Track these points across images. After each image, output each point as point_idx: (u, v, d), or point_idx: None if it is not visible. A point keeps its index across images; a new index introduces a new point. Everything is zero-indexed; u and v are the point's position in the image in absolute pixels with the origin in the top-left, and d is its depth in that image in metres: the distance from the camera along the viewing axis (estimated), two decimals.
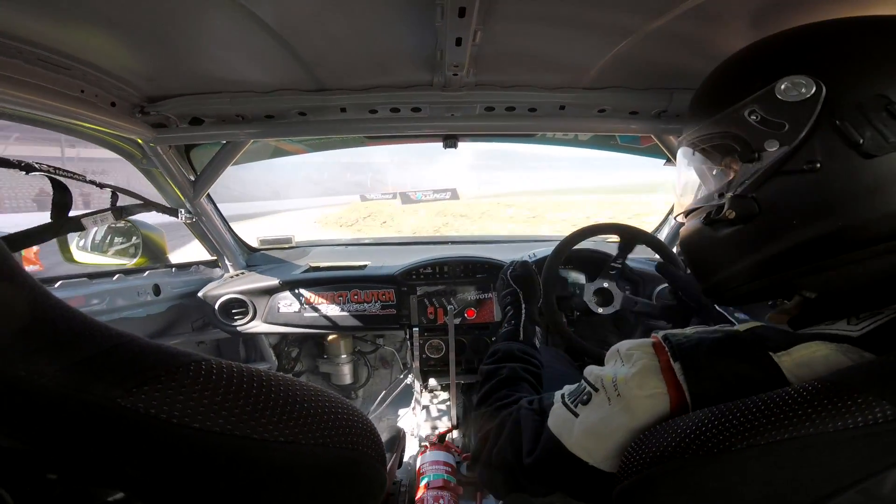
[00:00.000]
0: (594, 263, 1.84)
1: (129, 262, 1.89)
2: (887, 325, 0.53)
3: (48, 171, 1.10)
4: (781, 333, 0.58)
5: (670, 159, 1.85)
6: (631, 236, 1.63)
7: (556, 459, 0.68)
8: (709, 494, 0.51)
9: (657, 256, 1.65)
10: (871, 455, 0.44)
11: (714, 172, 0.71)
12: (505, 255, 2.02)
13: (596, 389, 0.66)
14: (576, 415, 0.68)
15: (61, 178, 1.14)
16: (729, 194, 0.65)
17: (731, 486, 0.49)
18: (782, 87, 0.60)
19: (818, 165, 0.57)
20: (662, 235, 2.24)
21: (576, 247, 1.60)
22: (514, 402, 0.87)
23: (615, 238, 1.84)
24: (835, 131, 0.56)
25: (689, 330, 0.65)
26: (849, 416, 0.43)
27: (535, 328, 1.19)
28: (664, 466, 0.52)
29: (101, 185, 1.31)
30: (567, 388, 0.73)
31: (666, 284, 1.86)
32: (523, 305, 1.22)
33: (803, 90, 0.58)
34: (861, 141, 0.54)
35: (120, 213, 1.41)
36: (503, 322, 1.24)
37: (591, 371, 0.70)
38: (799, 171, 0.58)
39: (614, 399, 0.63)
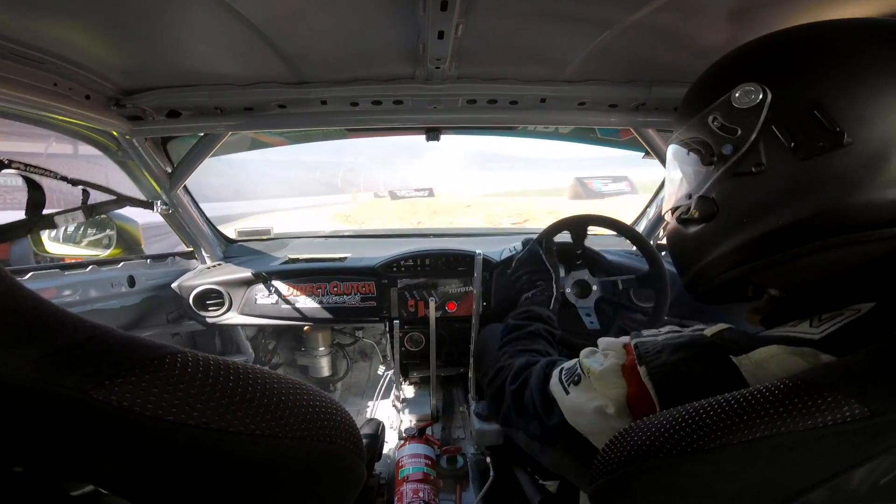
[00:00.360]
0: (568, 257, 1.87)
1: (102, 253, 1.85)
2: (847, 328, 0.55)
3: (20, 169, 1.08)
4: (745, 336, 0.61)
5: (649, 152, 1.87)
6: (576, 223, 1.69)
7: (558, 421, 0.76)
8: (683, 493, 0.52)
9: (635, 248, 1.69)
10: (840, 452, 0.45)
11: (688, 174, 0.75)
12: (486, 248, 2.03)
13: (584, 374, 0.74)
14: (567, 392, 0.76)
15: (33, 176, 1.12)
16: (695, 195, 0.70)
17: (705, 484, 0.50)
18: (736, 94, 0.64)
19: (763, 168, 0.61)
20: (640, 227, 2.27)
21: (556, 239, 1.62)
22: (534, 353, 1.04)
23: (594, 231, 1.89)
24: (775, 135, 0.60)
25: (660, 336, 0.69)
26: (819, 414, 0.44)
27: (558, 311, 1.33)
28: (638, 465, 0.53)
29: (73, 182, 1.28)
30: (566, 364, 0.81)
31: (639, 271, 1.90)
32: (555, 287, 1.38)
33: (752, 97, 0.62)
34: (793, 144, 0.58)
35: (91, 210, 1.38)
36: (529, 290, 1.40)
37: (583, 354, 0.77)
38: (748, 174, 0.63)
39: (589, 387, 0.71)
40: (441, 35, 1.04)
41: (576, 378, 0.75)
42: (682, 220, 0.74)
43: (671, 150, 0.81)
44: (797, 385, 0.47)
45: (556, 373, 0.80)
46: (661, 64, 1.26)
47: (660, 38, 1.12)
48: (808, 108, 0.57)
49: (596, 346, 0.79)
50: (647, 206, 2.29)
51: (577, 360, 0.78)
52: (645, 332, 0.72)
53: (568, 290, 1.67)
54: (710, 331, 0.65)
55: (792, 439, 0.45)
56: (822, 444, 0.45)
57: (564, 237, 1.72)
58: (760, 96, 0.61)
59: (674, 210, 0.78)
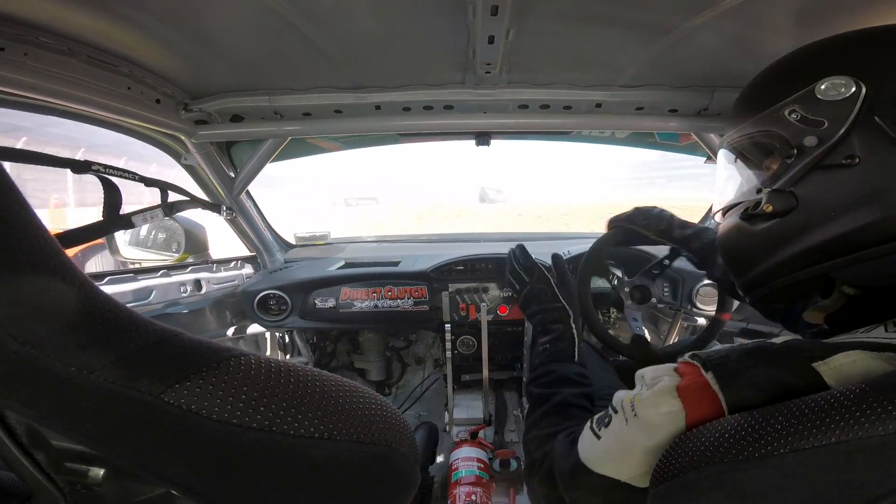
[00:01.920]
0: (632, 261, 1.79)
1: (172, 258, 1.95)
2: None
3: (100, 171, 1.14)
4: (818, 344, 0.58)
5: (711, 157, 1.82)
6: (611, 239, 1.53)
7: (584, 480, 0.70)
8: (751, 498, 0.50)
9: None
10: None
11: (754, 170, 0.72)
12: (538, 252, 1.99)
13: (616, 412, 0.68)
14: (598, 437, 0.70)
15: (112, 177, 1.18)
16: (767, 189, 0.67)
17: (775, 489, 0.48)
18: (822, 86, 0.62)
19: (857, 160, 0.59)
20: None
21: (614, 245, 1.56)
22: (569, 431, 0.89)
23: None
24: (874, 127, 0.58)
25: (718, 347, 0.66)
26: None
27: (584, 348, 1.17)
28: (703, 471, 0.51)
29: (149, 182, 1.35)
30: (597, 415, 0.74)
31: (706, 282, 1.81)
32: (573, 326, 1.20)
33: (843, 90, 0.60)
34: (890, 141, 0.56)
35: (169, 209, 1.44)
36: (543, 334, 1.22)
37: (617, 395, 0.70)
38: (838, 166, 0.60)
39: (631, 419, 0.64)
40: (491, 40, 1.04)
41: (606, 420, 0.69)
42: (749, 216, 0.70)
43: (727, 148, 0.78)
44: (875, 388, 0.45)
45: (586, 428, 0.74)
46: (724, 69, 1.23)
47: (722, 44, 1.10)
48: None
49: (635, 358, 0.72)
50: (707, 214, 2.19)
51: (605, 408, 0.72)
52: (697, 352, 0.66)
53: (627, 290, 1.61)
54: (777, 340, 0.61)
55: (869, 444, 0.43)
56: None
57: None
58: (853, 89, 0.59)
59: (732, 207, 0.75)
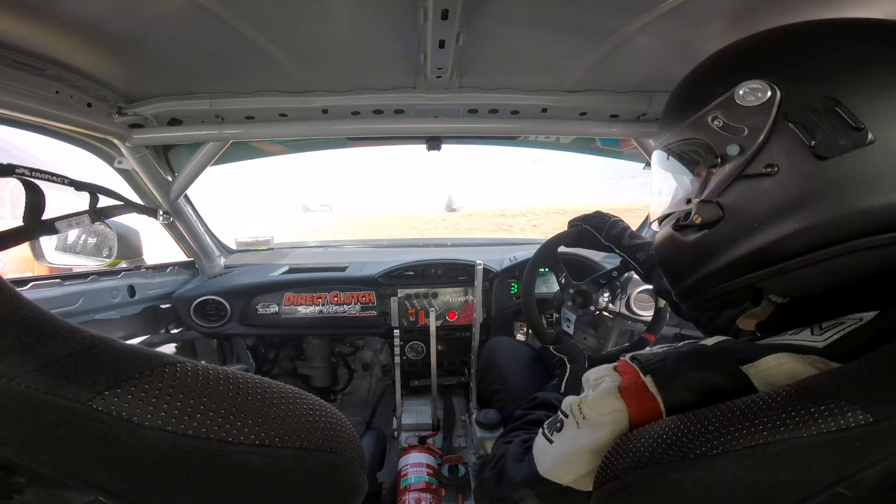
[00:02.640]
0: (577, 267, 1.85)
1: (103, 264, 1.85)
2: (850, 336, 0.54)
3: (25, 174, 1.07)
4: (748, 346, 0.59)
5: (649, 163, 1.85)
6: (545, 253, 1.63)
7: (532, 482, 0.72)
8: (686, 499, 0.51)
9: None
10: (843, 459, 0.44)
11: (684, 179, 0.71)
12: (486, 257, 2.03)
13: (567, 416, 0.69)
14: (550, 441, 0.71)
15: (38, 180, 1.11)
16: (695, 200, 0.66)
17: (708, 490, 0.49)
18: (740, 92, 0.60)
19: (776, 169, 0.58)
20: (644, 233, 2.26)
21: (559, 250, 1.61)
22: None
23: None
24: (790, 133, 0.57)
25: (657, 348, 0.67)
26: (822, 421, 0.44)
27: (577, 381, 1.23)
28: (642, 472, 0.52)
29: (80, 186, 1.28)
30: (548, 421, 0.76)
31: (642, 288, 1.89)
32: (568, 366, 1.29)
33: (759, 94, 0.59)
34: (813, 143, 0.55)
35: (98, 215, 1.37)
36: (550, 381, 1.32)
37: (566, 400, 0.71)
38: (759, 175, 0.59)
39: (581, 422, 0.65)
40: (442, 44, 1.04)
41: (558, 425, 0.70)
42: (680, 227, 0.70)
43: (658, 156, 0.77)
44: (800, 392, 0.46)
45: (539, 433, 0.75)
46: (662, 74, 1.27)
47: (660, 48, 1.13)
48: (827, 105, 0.54)
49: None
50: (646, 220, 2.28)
51: (557, 413, 0.74)
52: (637, 353, 0.67)
53: (571, 292, 1.66)
54: (710, 341, 0.63)
55: (795, 445, 0.44)
56: (825, 451, 0.44)
57: (571, 248, 1.72)
58: (769, 94, 0.58)
59: (665, 217, 0.75)
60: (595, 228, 1.44)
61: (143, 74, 1.21)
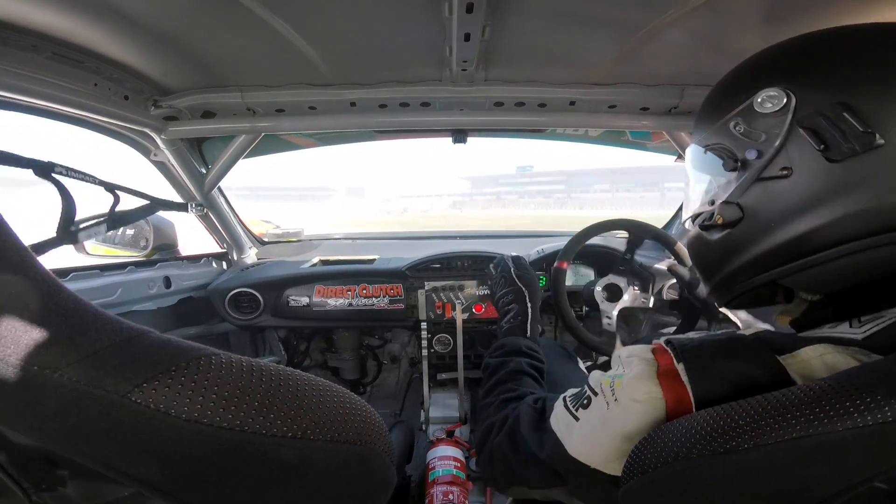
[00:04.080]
0: (604, 259, 1.82)
1: (139, 254, 1.90)
2: (891, 328, 0.53)
3: (63, 173, 1.10)
4: (786, 337, 0.60)
5: (681, 155, 1.84)
6: (638, 232, 1.64)
7: (559, 459, 0.71)
8: (717, 493, 0.51)
9: (668, 253, 1.64)
10: (880, 454, 0.44)
11: (710, 180, 0.74)
12: (513, 250, 2.01)
13: (596, 394, 0.69)
14: (576, 418, 0.70)
15: (73, 179, 1.14)
16: (718, 201, 0.69)
17: (740, 484, 0.49)
18: (759, 99, 0.63)
19: (791, 171, 0.61)
20: (673, 230, 2.23)
21: (587, 243, 1.59)
22: (519, 398, 0.92)
23: (624, 234, 1.84)
24: (803, 139, 0.59)
25: (692, 334, 0.67)
26: (858, 415, 0.43)
27: (540, 328, 1.21)
28: (672, 467, 0.52)
29: (109, 187, 1.31)
30: (570, 391, 0.76)
31: (674, 280, 1.86)
32: (528, 304, 1.25)
33: (776, 101, 0.62)
34: (823, 146, 0.57)
35: (119, 220, 1.41)
36: (504, 318, 1.27)
37: (593, 376, 0.72)
38: (775, 178, 0.62)
39: (612, 403, 0.65)
40: (467, 37, 1.04)
41: (584, 401, 0.70)
42: (706, 227, 0.73)
43: (691, 155, 0.80)
44: (835, 385, 0.46)
45: (559, 403, 0.76)
46: (693, 67, 1.25)
47: (692, 41, 1.11)
48: (837, 110, 0.57)
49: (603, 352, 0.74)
50: (679, 210, 2.23)
51: (581, 387, 0.74)
52: (673, 338, 0.68)
53: (598, 290, 1.64)
54: (748, 331, 0.63)
55: (830, 439, 0.43)
56: (861, 444, 0.43)
57: (598, 240, 1.71)
58: (784, 100, 0.61)
59: (695, 217, 0.77)
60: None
61: (178, 67, 1.23)
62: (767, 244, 0.64)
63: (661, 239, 1.64)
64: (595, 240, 1.68)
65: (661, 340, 0.66)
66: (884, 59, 0.57)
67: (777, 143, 0.61)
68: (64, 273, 1.55)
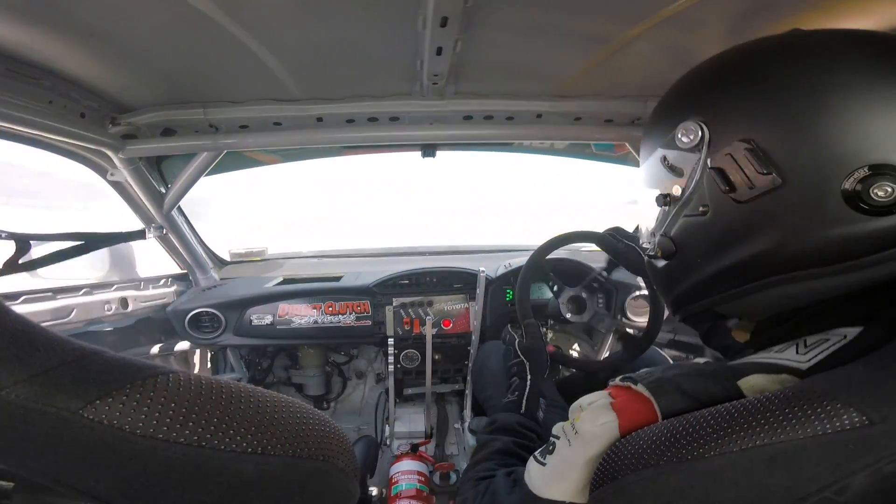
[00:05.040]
0: (569, 272, 1.87)
1: (96, 276, 1.84)
2: (834, 357, 0.54)
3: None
4: (734, 366, 0.60)
5: None
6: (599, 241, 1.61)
7: (526, 500, 0.71)
8: (680, 500, 0.51)
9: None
10: (838, 461, 0.44)
11: (653, 212, 0.74)
12: (480, 265, 2.03)
13: (558, 437, 0.69)
14: (544, 464, 0.70)
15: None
16: (658, 233, 0.70)
17: (705, 492, 0.49)
18: (678, 133, 0.62)
19: (708, 209, 0.61)
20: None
21: (550, 256, 1.62)
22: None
23: (589, 247, 1.88)
24: (712, 179, 0.59)
25: (651, 369, 0.68)
26: (818, 422, 0.44)
27: (540, 400, 1.18)
28: (639, 474, 0.52)
29: (67, 237, 1.31)
30: (539, 450, 0.75)
31: (637, 293, 1.91)
32: (529, 377, 1.21)
33: (692, 136, 0.60)
34: (727, 188, 0.57)
35: (76, 251, 1.40)
36: (507, 391, 1.23)
37: (555, 427, 0.72)
38: (696, 215, 0.63)
39: (573, 438, 0.66)
40: (439, 51, 1.04)
41: (550, 448, 0.70)
42: (650, 257, 0.75)
43: (639, 180, 0.79)
44: (796, 394, 0.47)
45: (530, 462, 0.74)
46: (656, 79, 1.24)
47: (657, 54, 1.14)
48: (740, 148, 0.56)
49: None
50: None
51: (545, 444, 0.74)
52: (629, 375, 0.68)
53: (563, 303, 1.67)
54: (700, 361, 0.65)
55: (791, 447, 0.44)
56: (819, 453, 0.44)
57: (562, 253, 1.74)
58: (700, 134, 0.60)
59: (643, 248, 0.79)
60: (641, 248, 1.44)
61: (138, 82, 1.20)
62: (696, 277, 0.66)
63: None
64: (559, 252, 1.68)
65: (617, 381, 0.67)
66: (787, 85, 0.55)
67: (694, 182, 0.62)
68: (14, 296, 1.49)
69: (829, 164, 0.52)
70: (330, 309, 2.02)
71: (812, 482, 0.45)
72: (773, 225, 0.56)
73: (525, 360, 1.25)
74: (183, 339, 2.04)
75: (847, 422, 0.43)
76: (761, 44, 0.61)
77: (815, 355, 0.55)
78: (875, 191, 0.49)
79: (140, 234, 1.78)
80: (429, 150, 1.76)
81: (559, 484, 0.67)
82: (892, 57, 0.52)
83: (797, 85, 0.54)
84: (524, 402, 1.15)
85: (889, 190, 0.49)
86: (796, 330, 0.61)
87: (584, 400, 0.69)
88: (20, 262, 1.30)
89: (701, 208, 0.62)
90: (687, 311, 0.73)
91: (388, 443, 2.09)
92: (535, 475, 0.71)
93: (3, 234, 1.23)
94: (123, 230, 1.74)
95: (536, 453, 0.73)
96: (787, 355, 0.57)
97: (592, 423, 0.63)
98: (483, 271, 1.87)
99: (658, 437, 0.53)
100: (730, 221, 0.59)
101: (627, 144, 1.82)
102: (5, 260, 1.37)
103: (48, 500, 0.45)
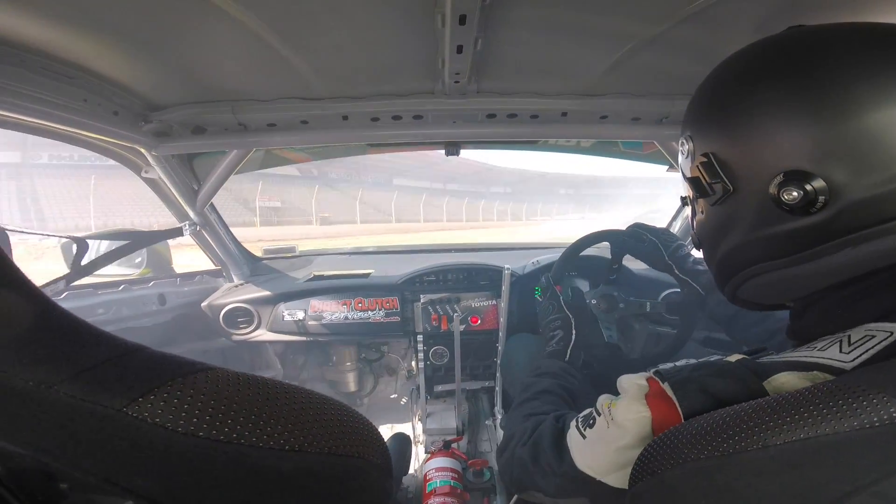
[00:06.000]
0: (595, 273, 1.83)
1: (134, 273, 1.90)
2: (881, 354, 0.52)
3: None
4: (764, 364, 0.61)
5: (673, 165, 1.85)
6: (619, 242, 1.64)
7: (571, 471, 0.76)
8: (725, 495, 0.50)
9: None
10: (887, 455, 0.43)
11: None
12: (508, 262, 2.02)
13: (599, 414, 0.73)
14: (584, 437, 0.75)
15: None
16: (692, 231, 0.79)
17: (748, 486, 0.48)
18: (681, 144, 0.72)
19: (703, 211, 0.71)
20: (675, 229, 2.22)
21: (581, 254, 1.59)
22: (542, 414, 0.97)
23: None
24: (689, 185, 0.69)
25: (680, 363, 0.71)
26: (864, 415, 0.42)
27: (581, 354, 1.25)
28: (681, 468, 0.52)
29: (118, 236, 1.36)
30: (583, 412, 0.80)
31: (672, 289, 1.86)
32: (574, 332, 1.28)
33: (685, 147, 0.70)
34: (698, 194, 0.68)
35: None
36: (549, 342, 1.31)
37: (601, 398, 0.75)
38: (698, 213, 0.73)
39: (610, 423, 0.69)
40: (460, 49, 1.04)
41: (591, 421, 0.74)
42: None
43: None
44: (839, 387, 0.45)
45: (572, 423, 0.80)
46: (684, 77, 1.24)
47: (683, 52, 1.11)
48: (704, 160, 0.64)
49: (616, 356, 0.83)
50: (672, 220, 2.26)
51: (590, 408, 0.78)
52: (661, 367, 0.72)
53: (594, 302, 1.64)
54: (732, 358, 0.65)
55: (837, 440, 0.43)
56: (868, 446, 0.43)
57: (593, 251, 1.72)
58: (689, 146, 0.69)
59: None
60: (662, 243, 1.47)
61: (168, 81, 1.23)
62: (711, 267, 0.75)
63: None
64: (590, 251, 1.68)
65: (650, 372, 0.69)
66: (729, 102, 0.64)
67: (692, 189, 0.69)
68: (59, 292, 1.55)
69: (760, 172, 0.60)
70: (360, 305, 2.04)
71: (863, 475, 0.44)
72: (735, 223, 0.65)
73: (570, 315, 1.32)
74: (219, 335, 2.08)
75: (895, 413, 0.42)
76: (725, 62, 0.69)
77: (861, 354, 0.54)
78: (783, 195, 0.57)
79: (178, 232, 1.84)
80: (452, 147, 1.76)
81: (596, 462, 0.71)
82: (801, 74, 0.58)
83: (735, 102, 0.63)
84: (569, 351, 1.24)
85: (795, 194, 0.56)
86: (824, 321, 0.63)
87: (624, 380, 0.72)
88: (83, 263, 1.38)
89: (700, 211, 0.72)
90: (728, 297, 0.77)
91: (420, 440, 2.10)
92: (576, 445, 0.76)
93: (66, 238, 1.30)
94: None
95: (580, 418, 0.78)
96: (830, 353, 0.56)
97: (626, 412, 0.67)
98: (508, 269, 1.86)
99: (699, 432, 0.52)
100: (713, 221, 0.69)
101: (656, 142, 1.80)
102: (72, 262, 1.46)
103: (100, 500, 0.45)
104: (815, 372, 0.54)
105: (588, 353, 1.29)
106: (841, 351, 0.55)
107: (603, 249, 2.01)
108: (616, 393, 0.74)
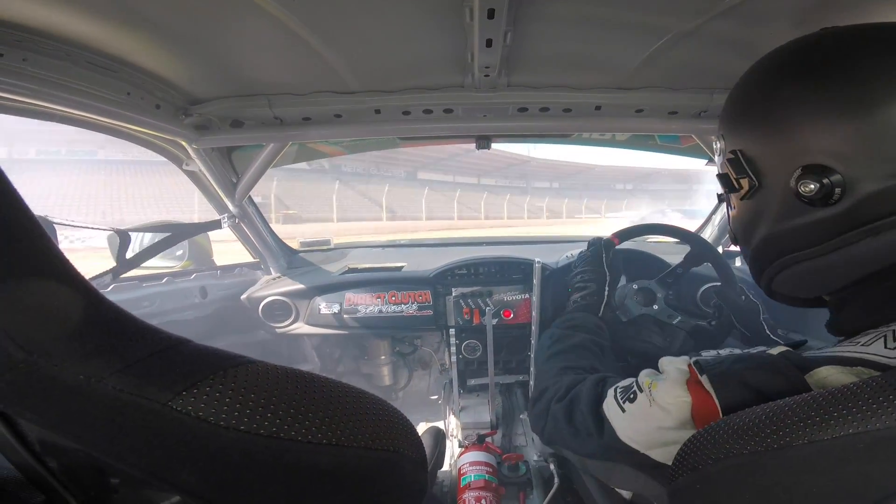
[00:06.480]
0: (638, 264, 1.78)
1: (176, 265, 1.96)
2: None
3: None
4: (807, 358, 0.60)
5: (712, 159, 1.81)
6: (701, 251, 1.61)
7: (613, 441, 0.77)
8: (770, 490, 0.49)
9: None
10: None
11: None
12: (541, 256, 1.99)
13: (641, 391, 0.74)
14: (623, 410, 0.76)
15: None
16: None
17: (795, 481, 0.47)
18: (716, 144, 0.75)
19: (734, 207, 0.74)
20: (706, 234, 2.20)
21: (621, 247, 1.56)
22: (577, 370, 1.01)
23: (656, 239, 1.78)
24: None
25: (723, 352, 0.74)
26: None
27: (611, 315, 1.28)
28: (723, 463, 0.51)
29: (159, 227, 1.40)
30: (622, 382, 0.81)
31: (709, 284, 1.82)
32: (607, 289, 1.31)
33: (719, 146, 0.74)
34: (728, 189, 0.72)
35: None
36: (576, 293, 1.33)
37: (643, 373, 0.77)
38: (732, 209, 0.76)
39: (651, 403, 0.71)
40: (489, 43, 1.04)
41: (631, 395, 0.75)
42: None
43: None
44: (889, 382, 0.44)
45: (610, 392, 0.81)
46: (722, 71, 1.22)
47: (719, 45, 1.10)
48: (733, 157, 0.68)
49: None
50: (713, 213, 2.22)
51: (632, 379, 0.79)
52: (704, 353, 0.74)
53: (635, 287, 1.59)
54: (774, 350, 0.66)
55: (888, 435, 0.42)
56: None
57: (630, 244, 1.70)
58: (721, 145, 0.73)
59: None
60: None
61: (206, 75, 1.26)
62: (749, 261, 0.76)
63: (717, 263, 1.59)
64: (628, 244, 1.64)
65: (691, 359, 0.71)
66: (754, 101, 0.67)
67: (725, 187, 0.73)
68: (104, 284, 1.61)
69: (782, 167, 0.62)
70: (393, 298, 2.05)
71: None
72: (763, 216, 0.67)
73: (608, 275, 1.34)
74: (258, 327, 2.12)
75: None
76: (753, 65, 0.71)
77: None
78: (802, 188, 0.59)
79: (216, 224, 1.88)
80: (483, 141, 1.75)
81: (638, 436, 0.73)
82: (818, 76, 0.60)
83: (759, 100, 0.66)
84: (602, 307, 1.27)
85: (812, 186, 0.58)
86: (861, 314, 0.63)
87: (666, 362, 0.74)
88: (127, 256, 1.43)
89: (733, 206, 0.75)
90: (765, 291, 0.78)
91: (455, 434, 2.09)
92: (615, 417, 0.77)
93: (110, 231, 1.34)
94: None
95: (619, 389, 0.79)
96: (875, 349, 0.56)
97: (667, 395, 0.68)
98: (538, 262, 1.82)
99: (741, 427, 0.52)
100: (744, 215, 0.72)
101: (694, 136, 1.76)
102: (117, 256, 1.51)
103: (149, 495, 0.46)
104: (859, 367, 0.54)
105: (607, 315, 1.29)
106: (886, 346, 0.55)
107: (639, 243, 1.95)
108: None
